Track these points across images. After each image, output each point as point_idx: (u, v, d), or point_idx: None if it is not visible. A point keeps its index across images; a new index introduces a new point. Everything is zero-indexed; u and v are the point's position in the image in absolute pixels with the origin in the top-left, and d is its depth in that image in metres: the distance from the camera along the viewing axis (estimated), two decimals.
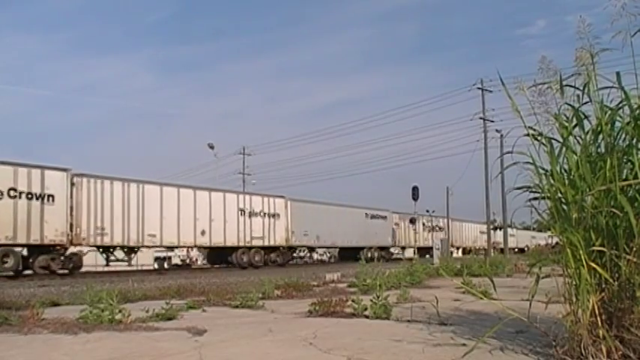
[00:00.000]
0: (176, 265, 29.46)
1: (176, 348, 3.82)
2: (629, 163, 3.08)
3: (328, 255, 37.00)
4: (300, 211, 29.49)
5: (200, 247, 26.52)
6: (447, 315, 4.98)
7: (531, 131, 3.35)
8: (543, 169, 3.31)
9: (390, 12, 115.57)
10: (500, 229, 39.61)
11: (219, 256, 26.61)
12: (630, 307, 2.92)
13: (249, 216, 26.68)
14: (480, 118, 34.83)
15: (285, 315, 5.73)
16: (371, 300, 5.33)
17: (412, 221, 38.21)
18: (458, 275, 10.30)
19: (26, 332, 4.57)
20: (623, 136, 3.12)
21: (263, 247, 27.19)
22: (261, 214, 27.40)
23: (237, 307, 6.46)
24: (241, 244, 26.05)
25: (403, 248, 40.37)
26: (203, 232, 24.24)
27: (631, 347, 2.85)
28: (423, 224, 41.80)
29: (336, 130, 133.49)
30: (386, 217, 37.17)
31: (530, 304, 3.36)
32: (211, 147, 43.66)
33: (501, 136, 29.05)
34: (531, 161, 3.32)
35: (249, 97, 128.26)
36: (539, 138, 3.33)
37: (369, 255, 30.69)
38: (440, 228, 42.88)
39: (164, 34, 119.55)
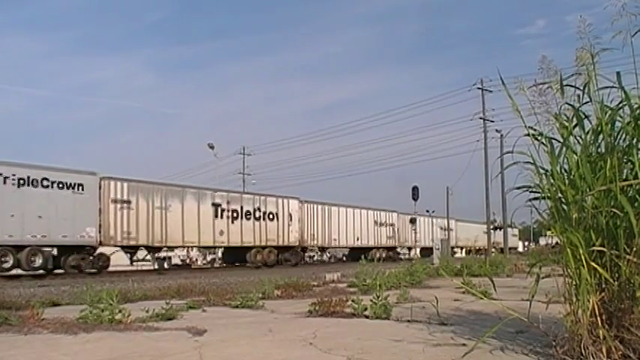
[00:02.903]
0: (176, 265, 29.45)
1: (176, 348, 3.81)
2: (629, 163, 3.08)
3: None
4: None
5: None
6: (447, 315, 4.98)
7: (531, 131, 3.35)
8: (543, 169, 3.31)
9: (390, 12, 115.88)
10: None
11: None
12: (630, 307, 2.92)
13: None
14: (480, 118, 34.77)
15: (285, 315, 5.73)
16: (371, 300, 5.33)
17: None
18: (458, 275, 10.32)
19: (26, 332, 4.57)
20: (623, 136, 3.12)
21: None
22: None
23: (237, 307, 6.46)
24: None
25: (151, 248, 22.33)
26: None
27: (631, 347, 2.85)
28: (215, 206, 24.67)
29: (336, 130, 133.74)
30: (81, 185, 19.32)
31: (530, 304, 3.36)
32: (211, 147, 43.63)
33: (501, 136, 29.01)
34: (531, 161, 3.32)
35: (249, 97, 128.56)
36: (539, 138, 3.33)
37: (6, 264, 16.92)
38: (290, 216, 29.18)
39: (164, 34, 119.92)
